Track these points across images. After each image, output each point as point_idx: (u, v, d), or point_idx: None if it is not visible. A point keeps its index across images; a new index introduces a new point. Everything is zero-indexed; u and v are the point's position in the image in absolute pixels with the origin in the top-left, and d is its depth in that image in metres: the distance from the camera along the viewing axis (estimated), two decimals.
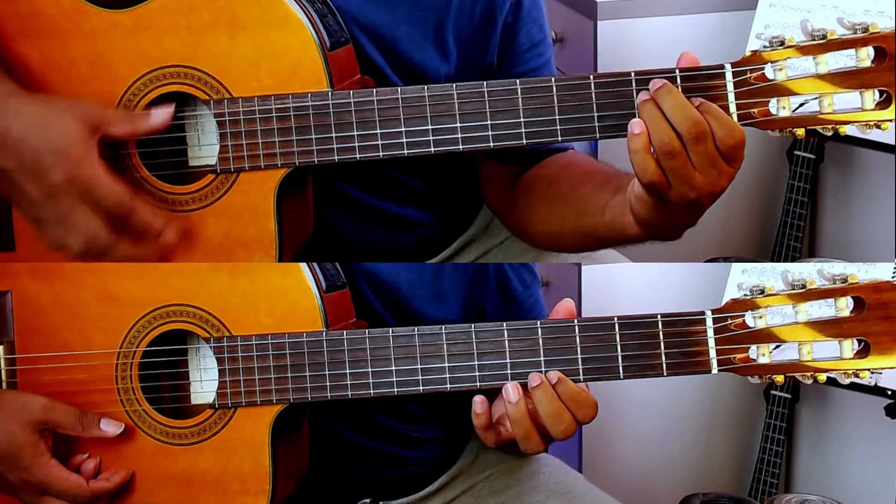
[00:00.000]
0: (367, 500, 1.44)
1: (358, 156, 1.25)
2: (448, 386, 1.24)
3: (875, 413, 2.32)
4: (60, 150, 1.20)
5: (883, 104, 1.18)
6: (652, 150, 1.17)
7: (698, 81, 1.19)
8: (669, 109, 1.17)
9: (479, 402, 1.23)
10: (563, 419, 1.21)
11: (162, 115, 1.25)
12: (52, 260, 1.29)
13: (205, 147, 1.29)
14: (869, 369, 1.19)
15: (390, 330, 1.25)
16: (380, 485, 1.45)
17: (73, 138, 1.20)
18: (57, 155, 1.20)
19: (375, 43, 1.33)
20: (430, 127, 1.24)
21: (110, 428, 1.29)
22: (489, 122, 1.23)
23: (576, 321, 1.23)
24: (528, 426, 1.22)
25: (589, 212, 1.32)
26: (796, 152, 2.59)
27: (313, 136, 1.25)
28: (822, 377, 1.20)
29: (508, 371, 1.23)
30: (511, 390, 1.22)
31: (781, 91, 1.19)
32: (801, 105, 1.19)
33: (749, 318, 1.20)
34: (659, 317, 1.21)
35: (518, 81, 1.22)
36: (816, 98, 1.19)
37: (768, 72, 1.19)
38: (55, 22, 1.27)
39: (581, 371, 1.22)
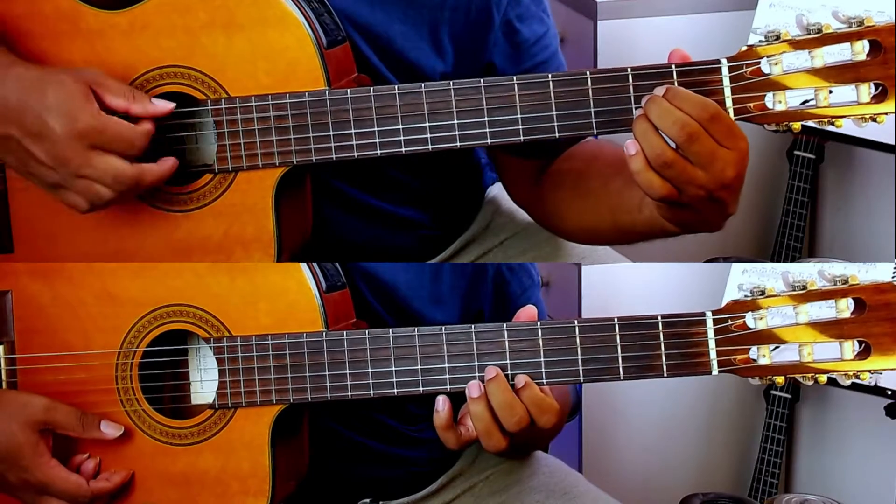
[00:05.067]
0: (367, 500, 1.43)
1: (356, 154, 1.25)
2: (448, 387, 1.24)
3: (875, 413, 2.32)
4: (60, 106, 1.19)
5: (878, 98, 1.18)
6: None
7: (694, 76, 1.19)
8: (656, 119, 1.17)
9: (441, 399, 1.24)
10: (515, 411, 1.22)
11: (161, 106, 1.24)
12: (50, 260, 1.29)
13: (202, 147, 1.29)
14: (869, 371, 1.19)
15: (390, 330, 1.25)
16: (380, 485, 1.45)
17: (73, 93, 1.20)
18: (58, 111, 1.19)
19: (370, 42, 1.33)
20: (427, 124, 1.24)
21: (110, 430, 1.28)
22: (486, 118, 1.23)
23: (576, 322, 1.22)
24: (488, 421, 1.22)
25: (625, 209, 1.31)
26: (796, 152, 2.59)
27: (311, 135, 1.25)
28: (823, 378, 1.20)
29: (509, 372, 1.23)
30: (474, 386, 1.22)
31: (777, 85, 1.19)
32: (804, 103, 1.19)
33: (749, 319, 1.20)
34: (659, 318, 1.21)
35: (515, 78, 1.22)
36: (814, 95, 1.19)
37: (764, 66, 1.19)
38: (52, 23, 1.27)
39: (581, 372, 1.22)
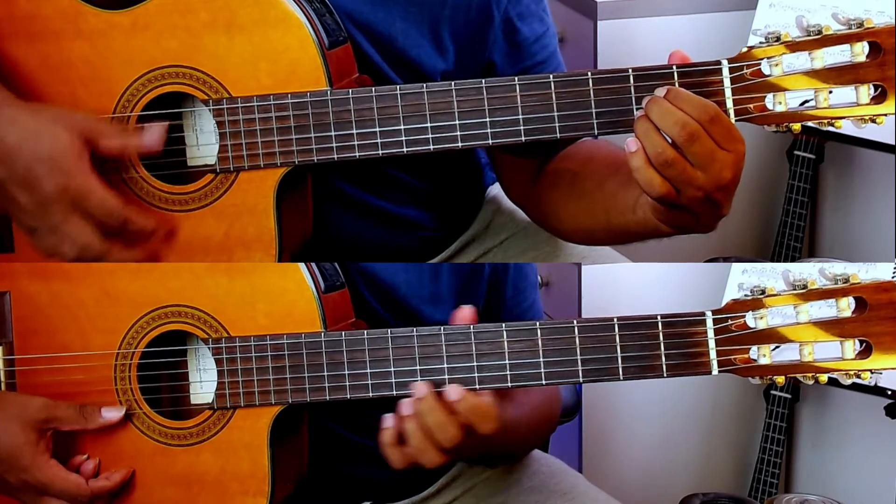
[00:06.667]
0: (368, 503, 1.44)
1: (357, 154, 1.25)
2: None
3: (875, 413, 2.32)
4: (53, 160, 1.20)
5: (878, 99, 1.18)
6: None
7: (695, 77, 1.19)
8: (658, 119, 1.17)
9: (388, 417, 1.23)
10: (447, 429, 1.20)
11: (155, 135, 1.25)
12: (50, 261, 1.29)
13: (203, 147, 1.29)
14: (870, 370, 1.19)
15: (389, 331, 1.25)
16: (379, 485, 1.45)
17: (66, 148, 1.21)
18: (49, 164, 1.20)
19: (371, 40, 1.33)
20: (429, 125, 1.24)
21: (112, 413, 1.28)
22: (487, 119, 1.23)
23: (575, 322, 1.22)
24: (420, 438, 1.21)
25: (619, 209, 1.31)
26: (796, 152, 2.59)
27: (312, 135, 1.25)
28: (824, 378, 1.20)
29: (508, 372, 1.23)
30: (405, 404, 1.21)
31: (777, 86, 1.19)
32: (804, 104, 1.19)
33: (750, 319, 1.19)
34: (659, 317, 1.21)
35: (516, 78, 1.22)
36: (813, 96, 1.19)
37: (764, 67, 1.19)
38: (53, 23, 1.27)
39: (581, 372, 1.22)
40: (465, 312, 1.25)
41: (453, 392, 1.21)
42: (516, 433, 1.38)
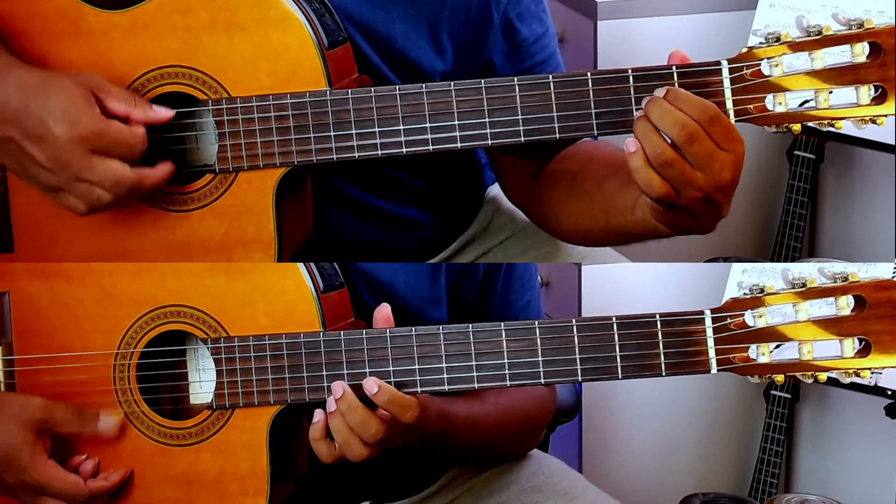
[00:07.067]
0: (368, 503, 1.44)
1: (357, 154, 1.25)
2: (446, 387, 1.24)
3: (875, 413, 2.32)
4: (63, 111, 1.20)
5: (878, 99, 1.18)
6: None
7: (695, 78, 1.19)
8: (657, 119, 1.17)
9: (318, 412, 1.24)
10: (369, 425, 1.22)
11: (162, 113, 1.24)
12: (50, 260, 1.29)
13: (203, 147, 1.29)
14: (870, 368, 1.18)
15: (387, 330, 1.25)
16: (379, 485, 1.45)
17: (74, 98, 1.20)
18: (60, 115, 1.20)
19: (370, 41, 1.33)
20: (428, 125, 1.24)
21: (110, 423, 1.28)
22: (487, 119, 1.23)
23: (574, 321, 1.22)
24: (346, 433, 1.23)
25: (618, 210, 1.31)
26: (796, 152, 2.59)
27: (312, 136, 1.25)
28: (823, 376, 1.19)
29: (507, 371, 1.23)
30: (330, 402, 1.23)
31: (777, 87, 1.19)
32: (804, 104, 1.19)
33: (749, 318, 1.19)
34: (657, 316, 1.21)
35: (516, 79, 1.22)
36: (814, 97, 1.19)
37: (764, 68, 1.19)
38: (53, 23, 1.27)
39: (580, 371, 1.22)
40: (384, 312, 1.26)
41: (370, 385, 1.22)
42: (475, 430, 1.39)
